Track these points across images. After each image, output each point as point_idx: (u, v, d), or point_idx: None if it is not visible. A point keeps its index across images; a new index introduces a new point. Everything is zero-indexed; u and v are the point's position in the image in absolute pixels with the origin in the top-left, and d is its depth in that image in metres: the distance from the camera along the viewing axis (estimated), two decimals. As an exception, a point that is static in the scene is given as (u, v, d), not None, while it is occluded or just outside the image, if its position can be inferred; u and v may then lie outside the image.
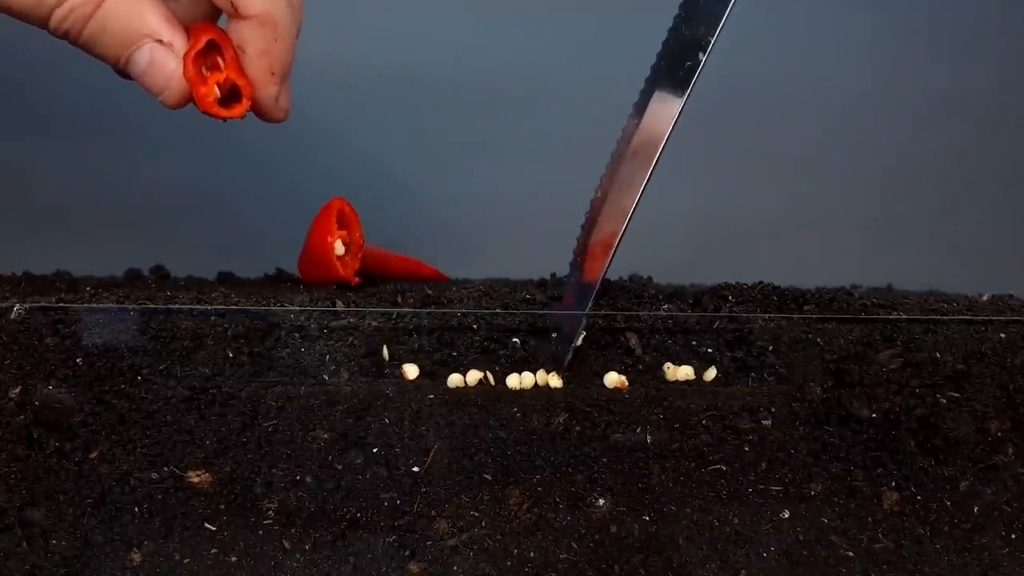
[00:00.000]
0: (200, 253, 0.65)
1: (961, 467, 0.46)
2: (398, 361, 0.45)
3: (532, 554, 0.45)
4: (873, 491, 0.46)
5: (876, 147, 0.85)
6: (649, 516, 0.45)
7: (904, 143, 0.84)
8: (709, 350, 0.46)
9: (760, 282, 0.51)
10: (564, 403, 0.45)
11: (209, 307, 0.45)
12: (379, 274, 0.59)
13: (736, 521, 0.46)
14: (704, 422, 0.45)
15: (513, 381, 0.45)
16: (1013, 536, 0.47)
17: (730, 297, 0.49)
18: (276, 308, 0.45)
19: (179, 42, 0.46)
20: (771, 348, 0.46)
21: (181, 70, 0.46)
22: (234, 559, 0.45)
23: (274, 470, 0.45)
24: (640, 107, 0.46)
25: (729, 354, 0.46)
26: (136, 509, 0.44)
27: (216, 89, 0.46)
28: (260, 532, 0.45)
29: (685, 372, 0.45)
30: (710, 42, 0.45)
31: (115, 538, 0.45)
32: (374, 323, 0.45)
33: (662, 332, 0.46)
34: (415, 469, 0.45)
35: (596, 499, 0.45)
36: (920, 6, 0.84)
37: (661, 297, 0.49)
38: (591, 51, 0.87)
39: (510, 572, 0.45)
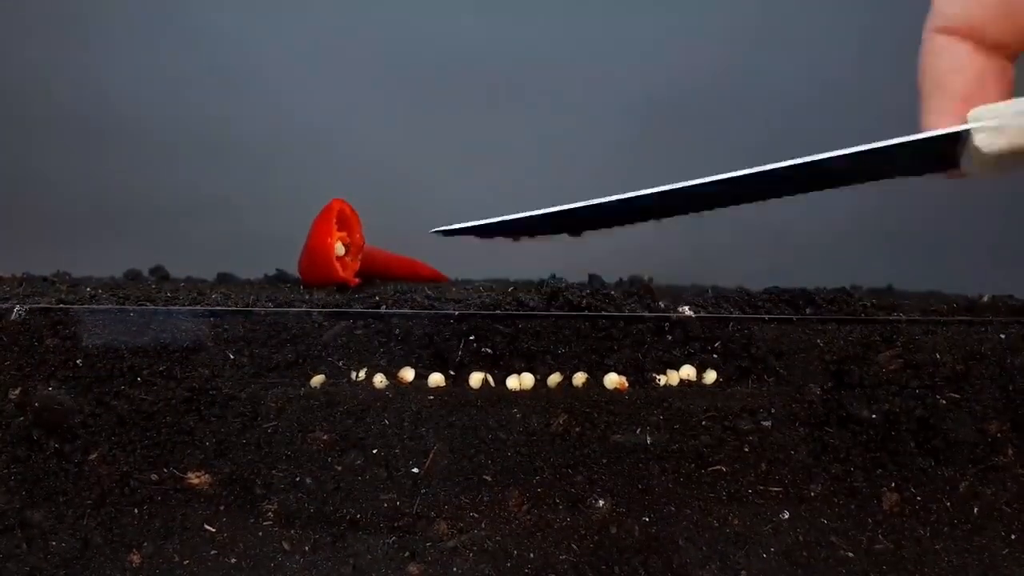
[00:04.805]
0: (200, 254, 0.65)
1: (961, 468, 0.46)
2: (395, 367, 0.45)
3: (532, 555, 0.45)
4: (873, 492, 0.46)
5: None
6: (649, 517, 0.45)
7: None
8: (709, 351, 0.46)
9: (765, 289, 0.51)
10: (564, 404, 0.45)
11: (209, 308, 0.45)
12: (379, 275, 0.59)
13: (736, 522, 0.46)
14: (704, 423, 0.45)
15: (512, 382, 0.45)
16: (1013, 537, 0.47)
17: (731, 299, 0.49)
18: (275, 309, 0.45)
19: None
20: (771, 349, 0.46)
21: None
22: (234, 560, 0.45)
23: (274, 471, 0.45)
24: None
25: (729, 355, 0.46)
26: (136, 510, 0.44)
27: None
28: (260, 533, 0.45)
29: (685, 373, 0.45)
30: None
31: (115, 539, 0.45)
32: (373, 324, 0.45)
33: (662, 333, 0.46)
34: (415, 470, 0.45)
35: (596, 500, 0.45)
36: (920, 5, 0.84)
37: (661, 298, 0.49)
38: (593, 50, 0.87)
39: (510, 573, 0.45)
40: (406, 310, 0.46)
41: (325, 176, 0.82)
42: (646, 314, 0.46)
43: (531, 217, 0.46)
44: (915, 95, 0.47)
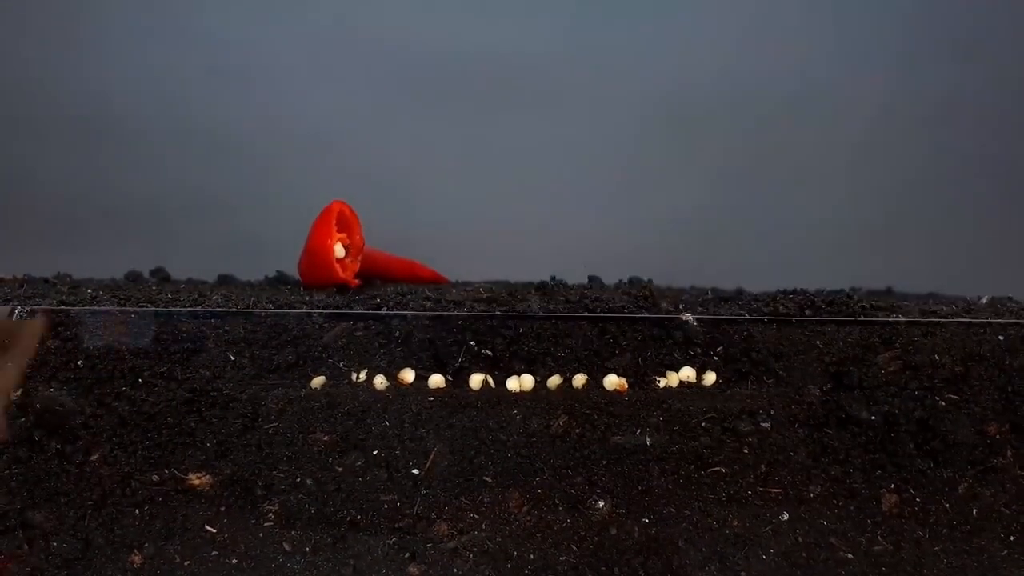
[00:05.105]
0: (200, 255, 0.65)
1: (960, 469, 0.46)
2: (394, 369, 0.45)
3: (532, 556, 0.45)
4: (872, 493, 0.46)
5: (876, 148, 0.85)
6: (649, 518, 0.46)
7: (904, 144, 0.84)
8: (709, 353, 0.46)
9: (764, 291, 0.51)
10: (564, 406, 0.45)
11: (209, 310, 0.45)
12: (379, 276, 0.59)
13: (735, 523, 0.46)
14: (703, 424, 0.45)
15: (512, 384, 0.45)
16: (1012, 538, 0.47)
17: (731, 300, 0.49)
18: (276, 311, 0.45)
19: None
20: (770, 351, 0.46)
21: None
22: (234, 561, 0.45)
23: (274, 472, 0.45)
24: None
25: (728, 357, 0.46)
26: (137, 511, 0.45)
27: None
28: (261, 534, 0.45)
29: (685, 375, 0.45)
30: None
31: (116, 540, 0.45)
32: (373, 325, 0.45)
33: (662, 335, 0.46)
34: (415, 471, 0.45)
35: (596, 501, 0.45)
36: (920, 6, 0.84)
37: (661, 300, 0.49)
38: (593, 50, 0.87)
39: (510, 574, 0.45)
40: (407, 311, 0.46)
41: (325, 177, 0.83)
42: (646, 316, 0.46)
43: None
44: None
